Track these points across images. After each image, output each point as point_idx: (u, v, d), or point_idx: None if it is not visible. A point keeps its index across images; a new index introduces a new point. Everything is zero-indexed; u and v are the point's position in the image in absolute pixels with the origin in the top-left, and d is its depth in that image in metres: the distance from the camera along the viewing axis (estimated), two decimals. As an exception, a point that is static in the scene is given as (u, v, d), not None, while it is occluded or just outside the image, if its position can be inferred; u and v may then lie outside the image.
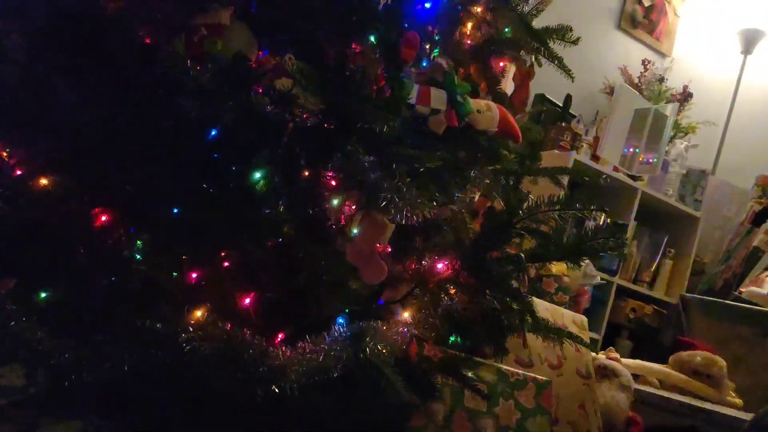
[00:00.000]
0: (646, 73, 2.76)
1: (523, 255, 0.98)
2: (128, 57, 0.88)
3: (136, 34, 0.89)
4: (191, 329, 0.79)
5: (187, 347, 0.77)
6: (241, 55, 0.83)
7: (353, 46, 0.98)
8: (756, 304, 2.28)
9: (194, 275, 0.94)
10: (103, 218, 0.90)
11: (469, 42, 1.04)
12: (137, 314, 0.85)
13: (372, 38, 0.99)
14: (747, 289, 2.45)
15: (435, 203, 0.85)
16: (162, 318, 0.82)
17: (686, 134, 2.74)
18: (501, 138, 0.98)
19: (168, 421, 0.81)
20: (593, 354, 1.50)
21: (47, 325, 0.82)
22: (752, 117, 2.95)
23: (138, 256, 0.95)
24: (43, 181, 0.91)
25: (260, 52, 0.99)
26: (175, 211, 0.91)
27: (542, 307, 1.42)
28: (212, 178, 0.93)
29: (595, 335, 2.37)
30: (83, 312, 0.90)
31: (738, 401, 1.81)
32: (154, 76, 0.87)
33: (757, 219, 2.63)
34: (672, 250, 2.66)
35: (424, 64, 1.13)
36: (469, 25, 1.00)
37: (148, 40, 0.91)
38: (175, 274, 0.94)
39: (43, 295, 0.92)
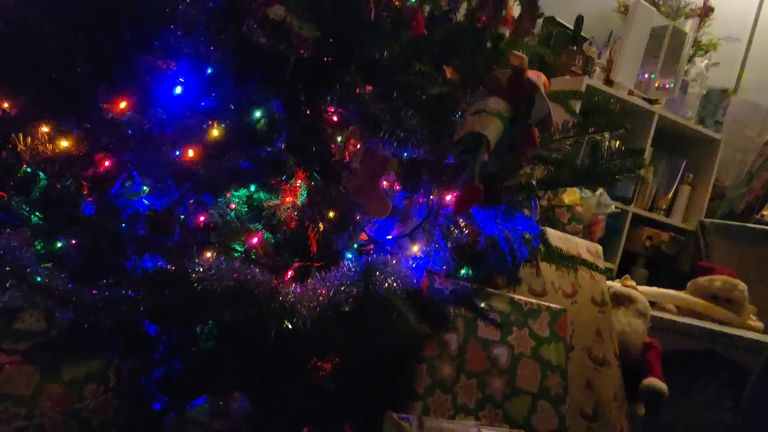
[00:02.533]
0: (664, -11, 2.61)
1: (534, 183, 0.96)
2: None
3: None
4: (201, 269, 0.80)
5: (199, 286, 0.78)
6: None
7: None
8: (778, 226, 2.24)
9: (202, 219, 0.95)
10: (106, 163, 0.89)
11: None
12: (149, 257, 0.86)
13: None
14: (769, 211, 2.40)
15: (439, 134, 0.82)
16: (172, 260, 0.83)
17: (707, 52, 2.61)
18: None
19: (185, 358, 0.83)
20: (609, 282, 1.49)
21: (64, 271, 0.84)
22: (778, 31, 2.80)
23: (145, 201, 0.96)
24: (44, 129, 0.91)
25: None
26: (177, 153, 0.90)
27: (555, 236, 1.41)
28: (215, 114, 0.91)
29: (610, 264, 2.36)
30: (97, 258, 0.91)
31: (759, 324, 1.80)
32: (144, 12, 0.84)
33: (781, 139, 2.54)
34: (690, 175, 2.60)
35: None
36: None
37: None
38: (182, 217, 0.94)
39: (59, 244, 0.94)
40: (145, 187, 0.96)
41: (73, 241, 0.92)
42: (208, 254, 0.86)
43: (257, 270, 0.81)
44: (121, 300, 0.81)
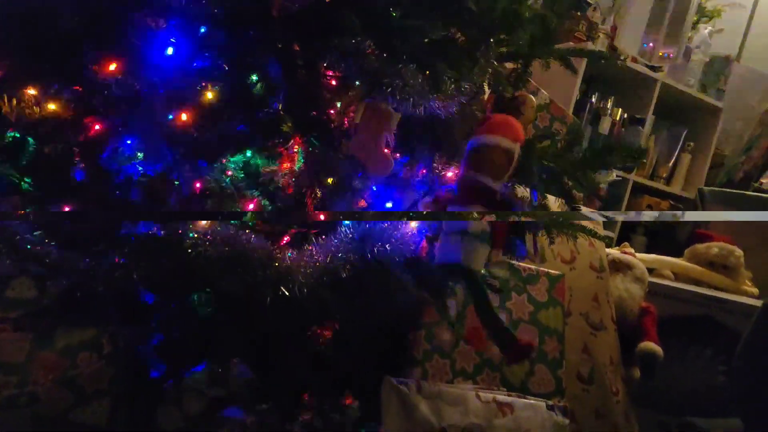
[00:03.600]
0: (669, -48, 2.54)
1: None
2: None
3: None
4: (196, 236, 0.78)
5: (193, 253, 0.76)
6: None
7: None
8: (777, 195, 2.23)
9: (198, 185, 0.93)
10: (96, 127, 0.87)
11: None
12: (142, 224, 0.84)
13: None
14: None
15: (442, 90, 0.79)
16: (166, 226, 0.81)
17: (711, 18, 2.56)
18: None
19: (182, 325, 0.82)
20: (607, 249, 1.49)
21: (55, 239, 0.82)
22: (783, -4, 2.74)
23: (140, 168, 0.93)
24: (31, 91, 0.88)
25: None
26: (170, 116, 0.88)
27: (555, 203, 1.40)
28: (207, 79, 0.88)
29: (609, 233, 2.35)
30: (89, 224, 0.90)
31: (754, 290, 1.81)
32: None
33: (783, 106, 2.51)
34: (691, 144, 2.58)
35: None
36: None
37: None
38: (176, 182, 0.92)
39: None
40: (138, 153, 0.93)
41: (66, 208, 0.90)
42: (203, 222, 0.85)
43: (253, 236, 0.80)
44: (114, 267, 0.80)
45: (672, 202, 2.54)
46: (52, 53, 0.80)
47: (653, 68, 2.35)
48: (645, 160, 2.39)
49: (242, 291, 0.75)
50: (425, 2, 0.77)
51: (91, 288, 0.79)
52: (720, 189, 2.41)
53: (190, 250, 0.76)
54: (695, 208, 2.44)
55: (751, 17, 2.73)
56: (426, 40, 0.75)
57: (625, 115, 2.37)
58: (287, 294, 0.76)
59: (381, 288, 0.85)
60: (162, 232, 0.79)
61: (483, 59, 0.84)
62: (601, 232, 1.45)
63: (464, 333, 1.05)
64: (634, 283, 1.43)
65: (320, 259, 0.80)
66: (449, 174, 1.02)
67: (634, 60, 2.32)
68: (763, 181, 2.42)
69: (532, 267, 1.16)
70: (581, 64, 2.09)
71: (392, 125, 0.85)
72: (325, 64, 0.83)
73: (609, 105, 2.31)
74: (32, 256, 0.80)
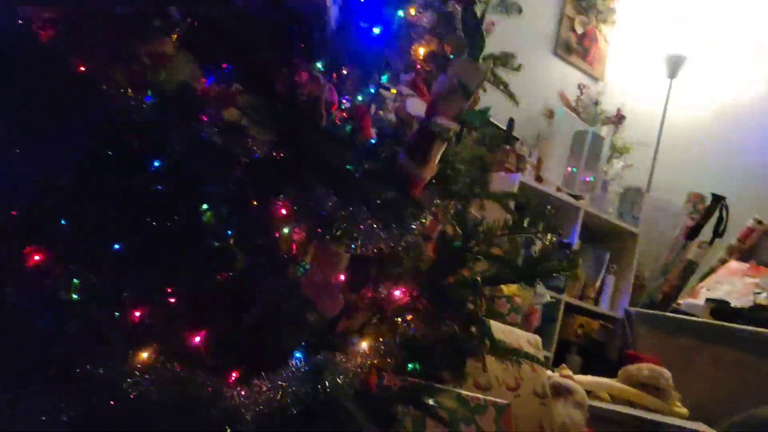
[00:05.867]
0: (582, 97, 2.89)
1: (479, 279, 0.99)
2: (64, 87, 0.83)
3: (73, 63, 0.85)
4: (137, 372, 0.74)
5: (133, 392, 0.72)
6: (187, 84, 0.80)
7: (302, 74, 0.97)
8: (694, 315, 2.38)
9: (138, 314, 0.89)
10: (36, 257, 0.84)
11: (419, 68, 1.05)
12: (76, 359, 0.79)
13: (319, 65, 0.98)
14: (684, 301, 2.56)
15: (390, 233, 0.84)
16: (104, 362, 0.77)
17: (622, 154, 2.87)
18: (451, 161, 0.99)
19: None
20: (547, 372, 1.52)
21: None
22: (680, 137, 3.13)
23: (75, 296, 0.89)
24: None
25: (204, 81, 0.96)
26: (116, 247, 0.86)
27: (498, 328, 1.43)
28: (157, 211, 0.89)
29: (547, 353, 2.41)
30: (15, 358, 0.83)
31: (684, 411, 1.87)
32: (93, 106, 0.83)
33: (691, 233, 2.77)
34: (614, 266, 2.76)
35: (372, 90, 1.13)
36: (421, 51, 1.01)
37: (85, 69, 0.87)
38: (117, 314, 0.88)
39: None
40: (75, 280, 0.90)
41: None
42: (145, 355, 0.81)
43: (199, 372, 0.76)
44: (41, 410, 0.74)
45: (602, 322, 2.65)
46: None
47: (576, 197, 2.57)
48: (576, 269, 2.52)
49: (185, 434, 0.70)
50: (377, 154, 0.83)
51: (11, 433, 0.72)
52: (644, 311, 2.55)
53: (130, 390, 0.72)
54: (623, 328, 2.55)
55: (655, 154, 3.08)
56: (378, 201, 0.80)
57: (555, 240, 2.53)
58: (233, 436, 0.72)
59: (333, 424, 0.82)
60: (101, 370, 0.74)
61: (428, 202, 0.90)
62: (542, 355, 1.49)
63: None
64: (575, 409, 1.45)
65: (270, 395, 0.77)
66: (396, 293, 1.04)
67: (559, 189, 2.53)
68: (680, 302, 2.59)
69: (480, 397, 1.16)
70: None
71: (343, 266, 0.87)
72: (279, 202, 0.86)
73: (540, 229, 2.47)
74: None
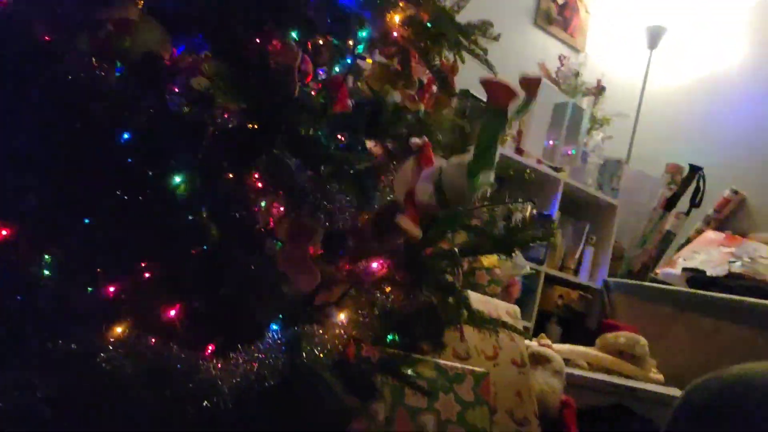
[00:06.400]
0: (562, 68, 2.88)
1: (457, 250, 0.99)
2: (26, 57, 0.81)
3: (34, 32, 0.82)
4: (111, 347, 0.74)
5: (108, 367, 0.71)
6: (153, 53, 0.78)
7: (274, 43, 0.95)
8: (671, 284, 2.43)
9: (112, 289, 0.88)
10: (3, 233, 0.82)
11: (396, 35, 1.03)
12: (49, 335, 0.78)
13: (294, 34, 0.96)
14: (662, 270, 2.61)
15: (366, 206, 0.83)
16: (78, 337, 0.76)
17: (602, 126, 2.88)
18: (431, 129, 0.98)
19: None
20: (526, 341, 1.54)
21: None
22: (659, 109, 3.15)
23: (47, 272, 0.88)
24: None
25: (174, 50, 0.93)
26: (87, 221, 0.85)
27: (476, 299, 1.45)
28: (127, 184, 0.87)
29: (526, 323, 2.44)
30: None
31: (660, 377, 1.92)
32: (56, 77, 0.80)
33: (669, 204, 2.81)
34: (594, 237, 2.79)
35: (349, 61, 1.11)
36: (397, 18, 0.99)
37: (48, 38, 0.84)
38: (90, 289, 0.87)
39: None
40: (47, 256, 0.88)
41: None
42: (119, 329, 0.80)
43: (174, 347, 0.76)
44: (15, 384, 0.73)
45: (581, 293, 2.69)
46: None
47: (556, 169, 2.58)
48: (552, 239, 2.53)
49: (162, 407, 0.70)
50: (350, 123, 0.82)
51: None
52: (622, 280, 2.60)
53: (104, 364, 0.71)
54: (602, 298, 2.60)
55: (635, 125, 3.10)
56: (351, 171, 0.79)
57: (535, 211, 2.55)
58: (210, 408, 0.72)
59: (311, 395, 0.83)
60: (74, 345, 0.73)
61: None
62: (521, 325, 1.51)
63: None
64: (553, 377, 1.48)
65: (247, 368, 0.77)
66: (374, 265, 1.04)
67: (540, 161, 2.53)
68: (658, 271, 2.64)
69: (458, 366, 1.17)
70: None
71: (317, 240, 0.87)
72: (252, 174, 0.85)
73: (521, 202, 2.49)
74: None
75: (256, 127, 0.82)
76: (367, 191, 0.79)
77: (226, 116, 0.77)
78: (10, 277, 0.85)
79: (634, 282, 2.57)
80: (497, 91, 0.80)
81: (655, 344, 2.01)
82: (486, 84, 0.81)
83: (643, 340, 1.96)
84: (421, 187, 0.83)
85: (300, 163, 0.76)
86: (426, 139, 0.89)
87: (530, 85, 0.81)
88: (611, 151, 2.93)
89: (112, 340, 0.76)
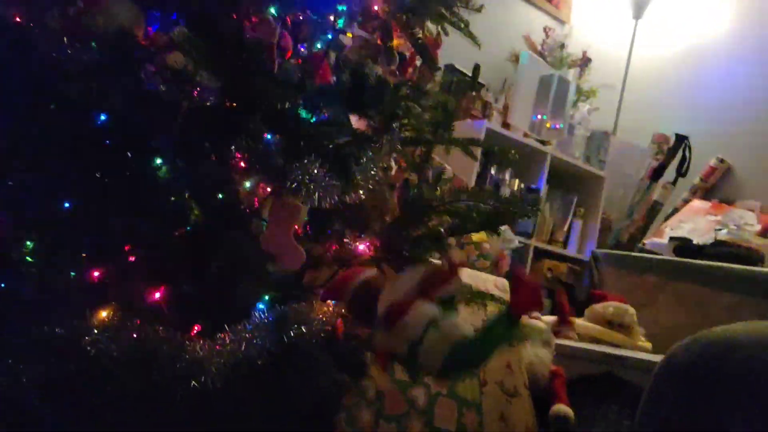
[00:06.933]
0: (548, 41, 2.86)
1: (443, 230, 0.99)
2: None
3: (4, 11, 0.80)
4: (96, 331, 0.73)
5: (93, 351, 0.71)
6: (126, 30, 0.76)
7: (252, 19, 0.93)
8: (658, 254, 2.45)
9: (96, 273, 0.87)
10: (-7, 221, 0.81)
11: (376, 9, 1.01)
12: (33, 322, 0.78)
13: (272, 9, 0.94)
14: (649, 240, 2.63)
15: (348, 183, 0.82)
16: (62, 322, 0.75)
17: (588, 98, 2.87)
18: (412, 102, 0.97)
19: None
20: (515, 314, 1.55)
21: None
22: (645, 78, 3.13)
23: (29, 258, 0.87)
24: None
25: (150, 29, 0.91)
26: (67, 205, 0.83)
27: (465, 273, 1.45)
28: (106, 167, 0.85)
29: (516, 297, 2.46)
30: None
31: (648, 345, 1.95)
32: (28, 57, 0.78)
33: (655, 174, 2.81)
34: (582, 210, 2.81)
35: (330, 36, 1.10)
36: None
37: (18, 19, 0.82)
38: (73, 274, 0.86)
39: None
40: (28, 242, 0.87)
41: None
42: (104, 313, 0.79)
43: (160, 328, 0.76)
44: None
45: (570, 265, 2.71)
46: None
47: (543, 142, 2.58)
48: (539, 210, 2.51)
49: (150, 389, 0.70)
50: (329, 95, 0.81)
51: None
52: (610, 251, 2.61)
53: (89, 348, 0.71)
54: (590, 269, 2.62)
55: (621, 96, 3.09)
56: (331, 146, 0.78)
57: (522, 185, 2.55)
58: (199, 389, 0.72)
59: (300, 373, 0.83)
60: (58, 330, 0.73)
61: (388, 145, 0.88)
62: (509, 298, 1.52)
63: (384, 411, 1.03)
64: (542, 348, 1.49)
65: (234, 347, 0.77)
66: (361, 247, 1.04)
67: (527, 135, 2.53)
68: (645, 242, 2.66)
69: (447, 339, 1.18)
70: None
71: (300, 218, 0.86)
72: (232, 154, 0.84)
73: (507, 176, 2.48)
74: None
75: (234, 105, 0.80)
76: (347, 166, 0.78)
77: (203, 95, 0.76)
78: (-9, 265, 0.84)
79: (621, 253, 2.59)
80: (525, 293, 0.71)
81: (642, 313, 2.03)
82: (516, 279, 0.72)
83: (631, 310, 1.98)
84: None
85: (279, 141, 0.75)
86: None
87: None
88: (598, 122, 2.93)
89: (96, 323, 0.76)
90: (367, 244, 1.02)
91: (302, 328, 0.85)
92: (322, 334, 0.88)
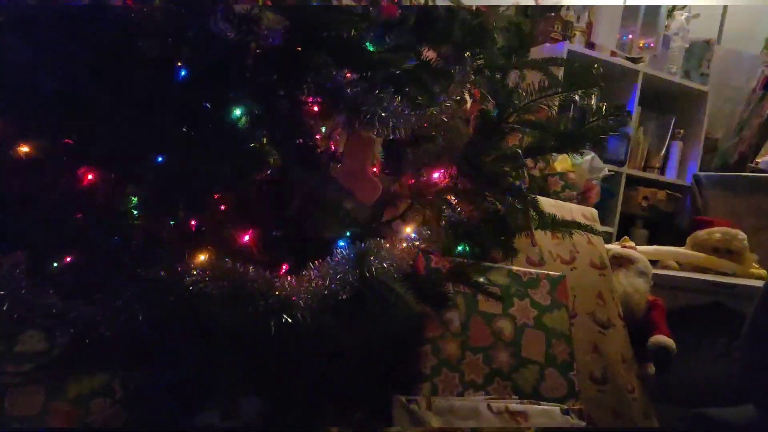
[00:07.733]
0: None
1: (520, 150, 0.96)
2: (77, 8, 0.83)
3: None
4: (195, 272, 0.80)
5: (193, 290, 0.77)
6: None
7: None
8: (773, 173, 2.23)
9: (192, 222, 0.94)
10: (90, 177, 0.89)
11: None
12: (142, 267, 0.86)
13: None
14: (763, 159, 2.40)
15: (420, 110, 0.81)
16: (165, 265, 0.83)
17: (685, 5, 2.59)
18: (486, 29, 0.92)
19: (189, 364, 0.83)
20: (608, 245, 1.49)
21: (58, 289, 0.84)
22: (756, -24, 2.77)
23: (135, 212, 0.95)
24: (24, 149, 0.90)
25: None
26: (160, 159, 0.90)
27: (548, 203, 1.41)
28: (190, 120, 0.90)
29: (609, 228, 2.36)
30: (92, 273, 0.91)
31: (762, 272, 1.80)
32: (106, 23, 0.83)
33: (768, 84, 2.53)
34: (681, 131, 2.59)
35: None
36: None
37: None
38: (173, 222, 0.93)
39: (55, 264, 0.93)
40: (133, 198, 0.95)
41: (68, 259, 0.92)
42: (201, 257, 0.86)
43: (251, 267, 0.81)
44: (119, 312, 0.81)
45: (669, 191, 2.54)
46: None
47: (633, 60, 2.37)
48: (626, 124, 2.34)
49: (245, 323, 0.76)
50: (395, 26, 0.79)
51: (98, 334, 0.80)
52: (715, 173, 2.42)
53: (190, 288, 0.78)
54: (693, 195, 2.44)
55: None
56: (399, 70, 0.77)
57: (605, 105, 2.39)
58: (290, 322, 0.77)
59: (382, 306, 0.86)
60: (162, 273, 0.80)
61: (459, 75, 0.85)
62: (599, 227, 1.46)
63: (470, 342, 1.05)
64: (638, 277, 1.43)
65: (319, 283, 0.81)
66: (435, 175, 1.03)
67: (614, 54, 2.34)
68: (758, 160, 2.43)
69: (532, 271, 1.16)
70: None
71: (376, 151, 0.87)
72: (305, 95, 0.85)
73: (593, 102, 2.33)
74: (38, 308, 0.81)
75: (299, 47, 0.81)
76: (420, 95, 0.76)
77: (270, 36, 0.77)
78: (102, 219, 0.93)
79: (730, 174, 2.38)
80: None
81: (755, 239, 1.87)
82: None
83: (741, 234, 1.83)
84: None
85: (347, 74, 0.74)
86: None
87: None
88: (698, 31, 2.64)
89: (195, 266, 0.82)
90: (441, 172, 1.01)
91: (383, 264, 0.87)
92: (404, 269, 0.90)
